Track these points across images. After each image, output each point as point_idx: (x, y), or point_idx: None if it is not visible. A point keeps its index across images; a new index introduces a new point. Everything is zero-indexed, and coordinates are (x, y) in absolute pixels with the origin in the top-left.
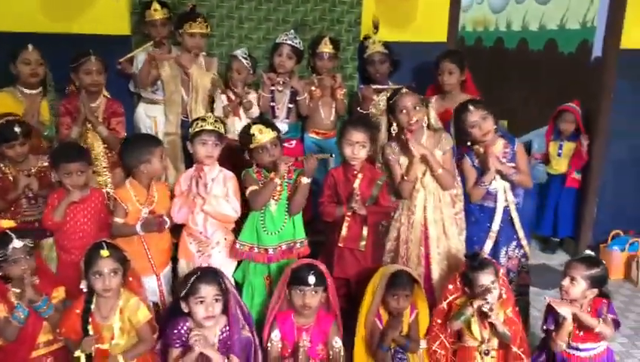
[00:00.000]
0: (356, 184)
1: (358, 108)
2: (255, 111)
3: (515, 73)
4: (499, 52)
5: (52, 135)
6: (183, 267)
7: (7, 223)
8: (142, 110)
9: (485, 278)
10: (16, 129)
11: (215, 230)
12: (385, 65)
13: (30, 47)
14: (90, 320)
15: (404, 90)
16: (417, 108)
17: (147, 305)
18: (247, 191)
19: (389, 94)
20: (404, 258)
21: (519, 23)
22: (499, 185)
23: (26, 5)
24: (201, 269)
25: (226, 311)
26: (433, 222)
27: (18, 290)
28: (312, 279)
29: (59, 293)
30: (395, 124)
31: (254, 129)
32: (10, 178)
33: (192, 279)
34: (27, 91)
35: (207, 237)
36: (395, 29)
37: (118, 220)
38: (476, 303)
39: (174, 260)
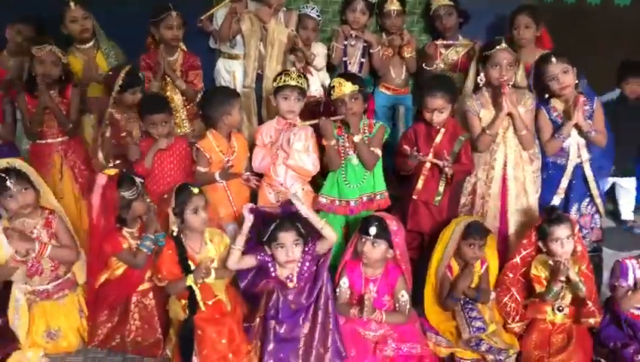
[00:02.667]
0: (438, 139)
1: (423, 65)
2: (319, 63)
3: (598, 31)
4: (580, 9)
5: None
6: None
7: (111, 171)
8: (221, 65)
9: (561, 232)
10: (140, 75)
11: (294, 181)
12: (452, 18)
13: (72, 4)
14: (187, 256)
15: (502, 44)
16: (510, 65)
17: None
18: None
19: (461, 48)
20: (480, 212)
21: None
22: (572, 141)
23: None
24: (280, 217)
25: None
26: (513, 178)
27: (132, 230)
28: (372, 230)
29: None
30: (482, 75)
31: (334, 81)
32: (121, 124)
33: (272, 226)
34: (82, 47)
35: (287, 187)
36: None
37: (201, 169)
38: (561, 276)
39: None
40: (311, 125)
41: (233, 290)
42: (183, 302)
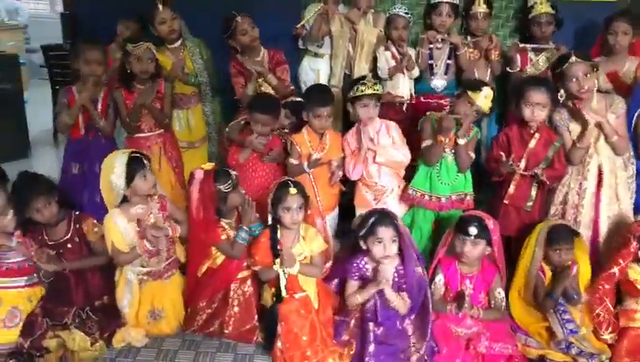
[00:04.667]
0: (532, 144)
1: (507, 68)
2: (415, 72)
3: None
4: None
5: (197, 82)
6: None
7: (207, 166)
8: (306, 63)
9: None
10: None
11: (389, 179)
12: (551, 27)
13: (160, 6)
14: (278, 247)
15: (573, 58)
16: (588, 75)
17: (322, 237)
18: (422, 144)
19: (550, 54)
20: (571, 222)
21: None
22: None
23: None
24: (379, 212)
25: (400, 251)
26: (607, 186)
27: (230, 220)
28: (473, 230)
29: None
30: (562, 91)
31: (485, 90)
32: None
33: (371, 221)
34: (170, 46)
35: (383, 186)
36: None
37: (292, 161)
38: None
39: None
40: None
41: (325, 286)
42: (273, 290)
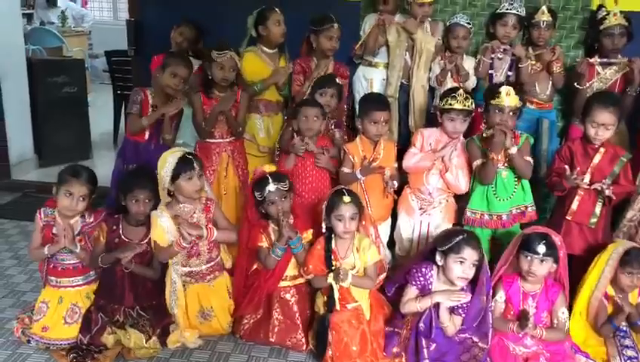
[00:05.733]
0: (597, 159)
1: (575, 84)
2: (471, 83)
3: None
4: None
5: (287, 92)
6: (404, 220)
7: (269, 168)
8: (360, 72)
9: None
10: (336, 80)
11: (440, 193)
12: (623, 39)
13: (277, 9)
14: (332, 257)
15: None
16: None
17: (377, 247)
18: (473, 165)
19: (619, 67)
20: None
21: None
22: None
23: None
24: (468, 232)
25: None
26: None
27: (276, 227)
28: (541, 248)
29: (308, 235)
30: None
31: (503, 89)
32: None
33: (459, 238)
34: (269, 51)
35: (432, 196)
36: None
37: (345, 169)
38: None
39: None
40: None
41: (378, 297)
42: (325, 298)
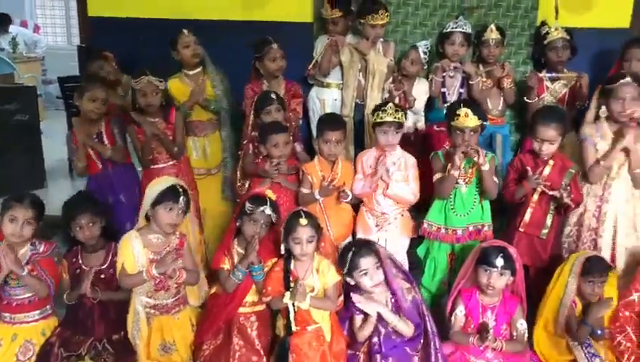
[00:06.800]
0: (546, 171)
1: (525, 98)
2: (420, 106)
3: None
4: None
5: (218, 107)
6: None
7: (271, 194)
8: (314, 93)
9: None
10: (272, 95)
11: (393, 208)
12: (567, 52)
13: (185, 31)
14: (291, 278)
15: (627, 78)
16: (634, 100)
17: (337, 269)
18: (434, 178)
19: (567, 81)
20: (587, 244)
21: None
22: None
23: None
24: (355, 243)
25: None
26: (624, 214)
27: (240, 250)
28: (499, 261)
29: (271, 264)
30: (604, 108)
31: (461, 111)
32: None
33: (350, 255)
34: (191, 72)
35: (385, 213)
36: (574, 14)
37: (303, 190)
38: None
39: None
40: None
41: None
42: (285, 320)
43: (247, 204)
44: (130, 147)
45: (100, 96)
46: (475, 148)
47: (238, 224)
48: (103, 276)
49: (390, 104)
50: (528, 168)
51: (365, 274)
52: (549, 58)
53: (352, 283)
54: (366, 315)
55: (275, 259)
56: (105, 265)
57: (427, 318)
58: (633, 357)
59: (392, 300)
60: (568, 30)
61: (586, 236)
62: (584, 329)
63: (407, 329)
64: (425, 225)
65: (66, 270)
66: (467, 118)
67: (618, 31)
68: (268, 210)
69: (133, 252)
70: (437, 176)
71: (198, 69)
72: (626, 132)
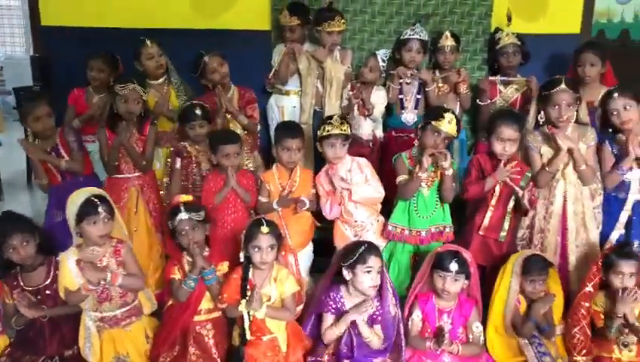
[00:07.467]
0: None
1: (477, 101)
2: (378, 114)
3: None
4: (624, 45)
5: None
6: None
7: (185, 198)
8: (272, 100)
9: (626, 267)
10: (197, 111)
11: (367, 215)
12: (517, 57)
13: (149, 42)
14: (248, 287)
15: (562, 85)
16: (570, 106)
17: (296, 279)
18: (397, 180)
19: (518, 85)
20: (538, 246)
21: None
22: (634, 176)
23: (178, 3)
24: (367, 242)
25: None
26: (573, 214)
27: (190, 259)
28: (454, 266)
29: (223, 267)
30: (542, 113)
31: (447, 116)
32: (193, 157)
33: (361, 249)
34: (154, 83)
35: (362, 221)
36: (526, 20)
37: (262, 199)
38: (620, 311)
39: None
40: None
41: (297, 329)
42: (240, 329)
43: (168, 221)
44: (93, 156)
45: (43, 112)
46: (445, 151)
47: (174, 240)
48: (48, 292)
49: (335, 116)
50: (501, 162)
51: (369, 272)
52: (500, 63)
53: (348, 278)
54: (339, 316)
55: (227, 262)
56: (48, 281)
57: (401, 335)
58: (584, 351)
59: (379, 311)
60: (519, 36)
61: (536, 238)
62: (528, 324)
63: (377, 342)
64: (389, 227)
65: (8, 295)
66: (449, 124)
67: (569, 36)
68: (184, 216)
69: (71, 270)
70: (401, 178)
71: (162, 79)
72: (557, 135)
